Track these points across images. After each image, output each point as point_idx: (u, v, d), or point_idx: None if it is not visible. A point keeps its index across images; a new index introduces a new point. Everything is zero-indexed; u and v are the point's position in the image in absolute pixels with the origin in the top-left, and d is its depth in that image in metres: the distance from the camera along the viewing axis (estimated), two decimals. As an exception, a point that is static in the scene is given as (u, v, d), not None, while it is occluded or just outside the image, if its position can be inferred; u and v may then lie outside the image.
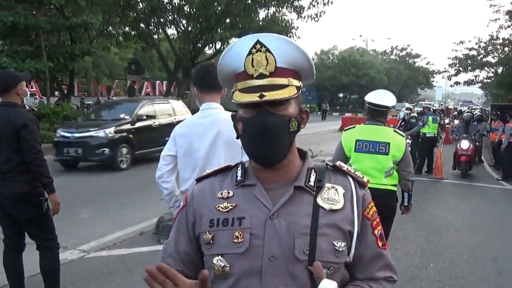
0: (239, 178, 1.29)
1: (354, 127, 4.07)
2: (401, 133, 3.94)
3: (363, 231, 1.27)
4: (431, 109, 13.68)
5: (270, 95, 1.15)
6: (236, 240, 1.19)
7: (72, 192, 8.05)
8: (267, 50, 1.18)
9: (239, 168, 1.32)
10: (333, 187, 1.26)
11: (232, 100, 1.21)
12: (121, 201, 7.61)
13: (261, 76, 1.18)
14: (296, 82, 1.21)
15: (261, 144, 1.19)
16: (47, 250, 3.65)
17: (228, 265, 1.19)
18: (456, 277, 4.85)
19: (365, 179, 1.32)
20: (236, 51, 1.21)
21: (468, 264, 5.26)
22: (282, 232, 1.18)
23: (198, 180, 1.38)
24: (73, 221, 6.30)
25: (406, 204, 4.05)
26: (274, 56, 1.18)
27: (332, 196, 1.24)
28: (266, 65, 1.18)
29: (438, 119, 12.70)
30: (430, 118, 12.16)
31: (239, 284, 1.18)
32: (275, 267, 1.17)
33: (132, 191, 8.44)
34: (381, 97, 3.95)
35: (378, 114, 3.92)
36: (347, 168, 1.32)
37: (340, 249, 1.21)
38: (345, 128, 4.13)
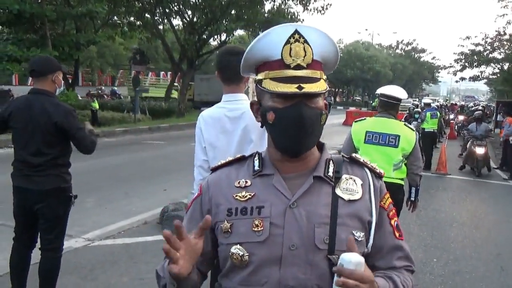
0: (256, 167, 1.29)
1: (365, 118, 4.09)
2: (412, 127, 3.94)
3: (380, 222, 1.27)
4: (431, 105, 13.54)
5: (308, 88, 1.15)
6: (255, 229, 1.19)
7: (76, 180, 8.02)
8: (305, 41, 1.17)
9: (256, 158, 1.32)
10: (351, 178, 1.27)
11: (263, 88, 1.19)
12: (125, 190, 7.62)
13: (298, 67, 1.16)
14: (324, 76, 1.22)
15: (296, 136, 1.19)
16: (51, 252, 3.35)
17: (247, 254, 1.19)
18: (459, 272, 4.84)
19: (381, 171, 1.33)
20: (272, 38, 1.18)
21: (471, 260, 5.25)
22: (302, 221, 1.19)
23: (214, 169, 1.38)
24: (78, 209, 6.23)
25: (412, 199, 4.05)
26: (311, 48, 1.18)
27: (351, 187, 1.26)
28: (304, 57, 1.17)
29: (439, 114, 12.56)
30: (428, 114, 12.05)
31: (258, 273, 1.19)
32: (294, 256, 1.18)
33: (136, 181, 8.45)
34: (393, 90, 3.99)
35: (389, 106, 3.94)
36: (363, 160, 1.33)
37: (359, 239, 1.21)
38: (356, 120, 4.14)
